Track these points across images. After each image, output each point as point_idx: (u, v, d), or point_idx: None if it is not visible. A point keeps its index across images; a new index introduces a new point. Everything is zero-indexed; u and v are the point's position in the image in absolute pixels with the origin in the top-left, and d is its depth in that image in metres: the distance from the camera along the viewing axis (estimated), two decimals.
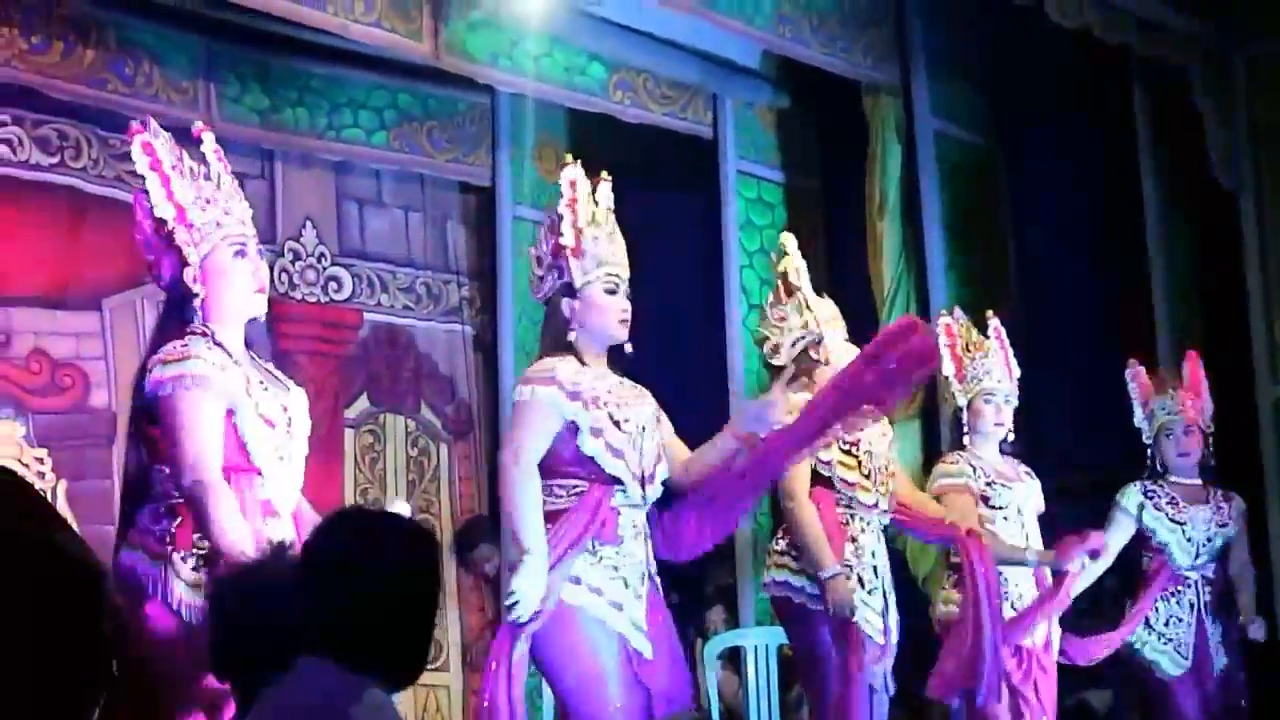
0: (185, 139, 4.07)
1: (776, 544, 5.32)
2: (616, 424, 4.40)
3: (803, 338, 5.35)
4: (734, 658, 6.86)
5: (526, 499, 4.31)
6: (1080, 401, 6.99)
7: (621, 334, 4.52)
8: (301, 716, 2.81)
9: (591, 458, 4.38)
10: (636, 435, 4.44)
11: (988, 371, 6.11)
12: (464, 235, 7.68)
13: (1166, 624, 6.55)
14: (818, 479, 5.26)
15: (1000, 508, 5.99)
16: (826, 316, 5.45)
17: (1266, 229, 7.82)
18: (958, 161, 8.25)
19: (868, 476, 5.32)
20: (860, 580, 5.20)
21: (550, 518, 4.38)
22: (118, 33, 6.61)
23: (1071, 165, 8.30)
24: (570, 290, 4.50)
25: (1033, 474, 6.18)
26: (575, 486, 4.41)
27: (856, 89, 8.04)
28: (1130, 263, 8.06)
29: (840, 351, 5.32)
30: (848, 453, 5.28)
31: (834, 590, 5.07)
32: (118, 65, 6.58)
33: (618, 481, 4.40)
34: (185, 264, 3.97)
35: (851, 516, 5.28)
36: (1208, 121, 7.85)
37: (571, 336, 4.48)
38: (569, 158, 4.69)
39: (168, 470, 3.88)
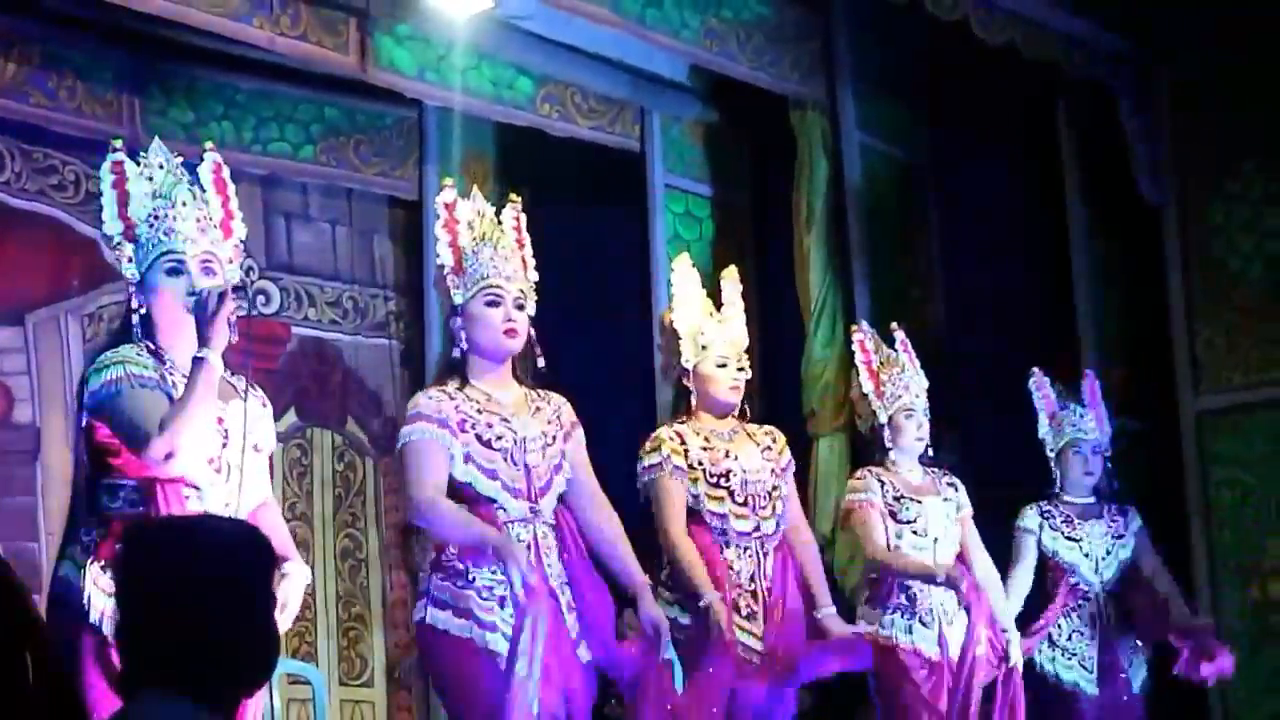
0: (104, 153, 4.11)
1: (663, 576, 5.25)
2: (486, 443, 4.44)
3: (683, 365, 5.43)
4: None
5: (446, 523, 4.38)
6: (1004, 415, 7.03)
7: (511, 344, 4.54)
8: None
9: (461, 480, 4.42)
10: (514, 449, 4.47)
11: (905, 386, 6.15)
12: (391, 249, 7.66)
13: (1069, 639, 6.59)
14: (694, 513, 5.28)
15: (908, 522, 6.01)
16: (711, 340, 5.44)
17: (1190, 244, 7.91)
18: (884, 176, 8.29)
19: (744, 504, 5.32)
20: (737, 607, 5.21)
21: (443, 546, 4.45)
22: (41, 46, 6.56)
23: (998, 180, 8.35)
24: (455, 309, 4.56)
25: (958, 485, 6.20)
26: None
27: (784, 104, 8.07)
28: (1055, 277, 8.13)
29: (711, 375, 5.37)
30: (715, 485, 5.29)
31: (712, 616, 5.04)
32: (40, 79, 6.53)
33: (493, 501, 4.43)
34: (127, 281, 4.04)
35: (726, 544, 5.28)
36: (1132, 138, 7.93)
37: (457, 354, 4.54)
38: (447, 180, 4.78)
39: (112, 480, 3.89)
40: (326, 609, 6.83)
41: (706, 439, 5.32)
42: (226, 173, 4.24)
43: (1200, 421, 7.76)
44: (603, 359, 7.42)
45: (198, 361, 3.90)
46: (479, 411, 4.46)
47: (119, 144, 4.11)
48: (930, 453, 6.14)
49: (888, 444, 6.10)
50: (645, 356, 7.58)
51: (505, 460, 4.45)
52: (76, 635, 3.78)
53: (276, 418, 6.99)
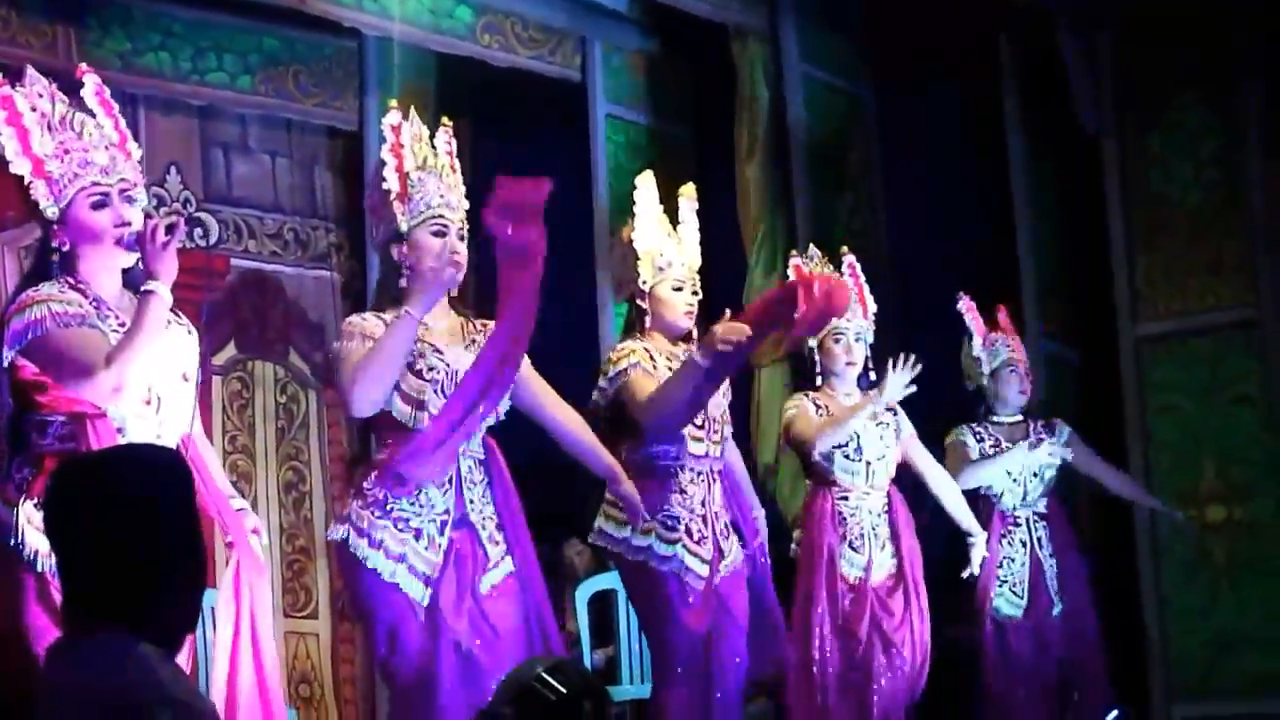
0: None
1: (606, 493, 5.23)
2: (418, 373, 4.41)
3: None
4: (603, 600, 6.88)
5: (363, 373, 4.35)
6: (950, 344, 7.07)
7: (453, 275, 4.49)
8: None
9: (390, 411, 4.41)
10: (444, 380, 4.44)
11: None
12: (331, 181, 7.61)
13: (1000, 565, 6.67)
14: None
15: (839, 446, 6.04)
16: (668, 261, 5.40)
17: (1129, 173, 7.97)
18: (826, 106, 8.30)
19: (701, 427, 5.31)
20: (689, 531, 5.21)
21: (374, 465, 4.46)
22: None
23: (941, 111, 8.37)
24: (399, 236, 4.51)
25: (897, 410, 6.22)
26: (387, 437, 4.47)
27: (726, 33, 8.06)
28: (996, 206, 8.18)
29: (667, 299, 5.35)
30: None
31: (719, 338, 4.96)
32: None
33: (419, 432, 4.41)
34: (44, 219, 3.95)
35: (680, 468, 5.27)
36: (1072, 68, 7.96)
37: (403, 283, 4.49)
38: (392, 103, 4.71)
39: (40, 416, 3.85)
40: (269, 542, 6.81)
41: (668, 359, 5.29)
42: (108, 92, 4.13)
43: (1139, 348, 7.84)
44: (545, 289, 7.41)
45: (146, 294, 3.86)
46: (416, 340, 4.43)
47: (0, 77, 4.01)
48: (872, 377, 6.16)
49: (816, 368, 6.13)
50: (588, 285, 7.59)
51: (435, 392, 4.42)
52: (16, 574, 3.75)
53: (215, 350, 7.04)
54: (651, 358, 5.25)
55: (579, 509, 7.69)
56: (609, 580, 6.78)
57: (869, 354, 6.20)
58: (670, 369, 5.20)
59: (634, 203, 5.46)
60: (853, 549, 5.95)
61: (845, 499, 6.01)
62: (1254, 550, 7.60)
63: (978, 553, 6.34)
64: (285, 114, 7.43)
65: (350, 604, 4.51)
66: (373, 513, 4.36)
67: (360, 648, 7.04)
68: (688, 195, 5.56)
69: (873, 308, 6.26)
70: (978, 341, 6.86)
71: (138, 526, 2.80)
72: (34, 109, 3.97)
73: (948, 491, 6.35)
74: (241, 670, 4.02)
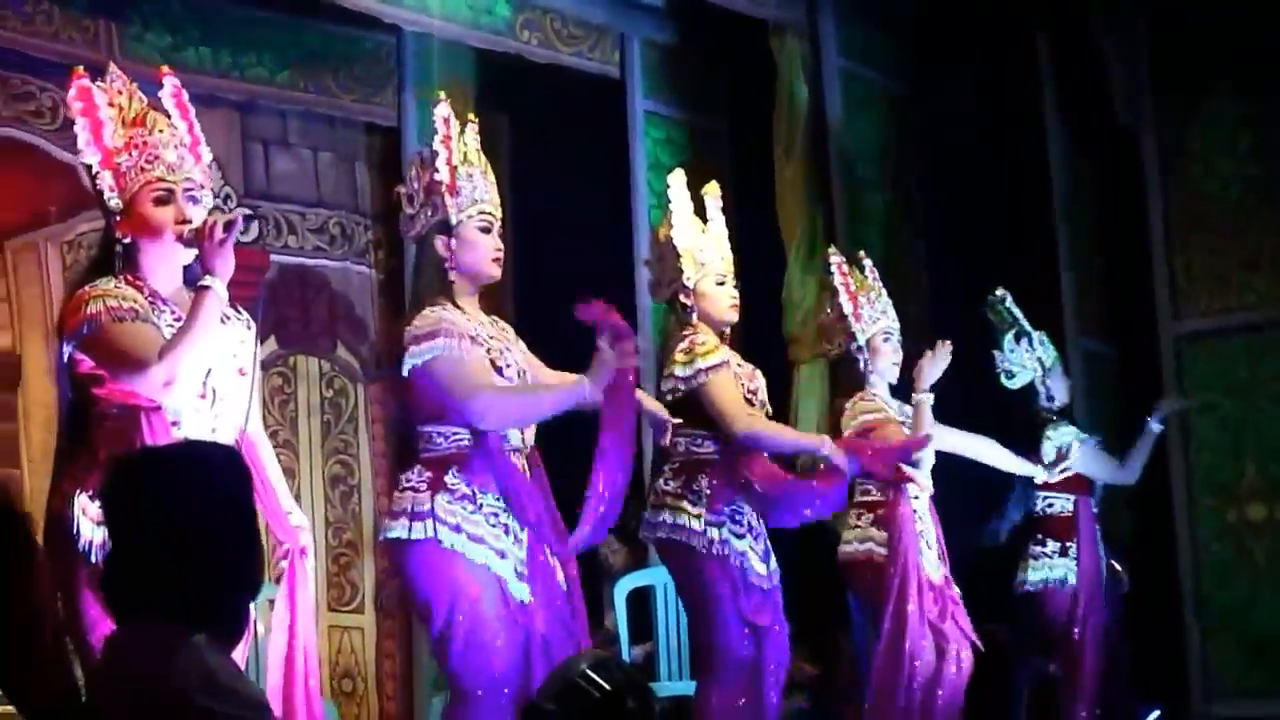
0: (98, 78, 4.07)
1: (665, 484, 5.24)
2: (500, 370, 4.39)
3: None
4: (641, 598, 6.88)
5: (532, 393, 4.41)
6: (984, 343, 7.05)
7: (495, 272, 4.51)
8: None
9: None
10: (516, 379, 4.44)
11: (884, 310, 6.13)
12: (370, 176, 7.62)
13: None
14: None
15: None
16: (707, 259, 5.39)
17: (1168, 167, 7.94)
18: (864, 102, 8.28)
19: None
20: (750, 527, 5.20)
21: (432, 465, 4.36)
22: None
23: (977, 106, 8.36)
24: (446, 227, 4.48)
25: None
26: (456, 434, 4.37)
27: (764, 29, 8.05)
28: (1035, 201, 8.15)
29: (711, 294, 5.33)
30: (749, 401, 5.26)
31: (833, 457, 5.11)
32: (16, 2, 6.46)
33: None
34: (109, 210, 3.98)
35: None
36: (1110, 62, 7.93)
37: (451, 276, 4.47)
38: (440, 94, 4.66)
39: (97, 410, 3.87)
40: (316, 535, 6.83)
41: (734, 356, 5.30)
42: (185, 95, 4.19)
43: (1179, 345, 7.81)
44: (583, 286, 7.40)
45: (201, 290, 3.89)
46: (490, 337, 4.44)
47: (83, 70, 4.06)
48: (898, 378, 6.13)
49: (866, 368, 6.09)
50: (626, 282, 7.57)
51: None
52: (71, 566, 3.78)
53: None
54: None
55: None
56: (647, 577, 6.79)
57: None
58: (739, 365, 5.24)
59: (669, 201, 5.46)
60: (929, 547, 5.94)
61: (917, 499, 5.99)
62: None
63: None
64: (324, 109, 7.45)
65: (425, 601, 4.34)
66: (464, 507, 4.31)
67: (402, 644, 7.04)
68: (713, 193, 5.54)
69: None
70: (1036, 338, 6.86)
71: (196, 521, 2.82)
72: (111, 104, 4.02)
73: (989, 450, 6.36)
74: (295, 680, 4.03)
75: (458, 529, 4.29)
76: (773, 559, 5.32)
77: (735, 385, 5.18)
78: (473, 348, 4.33)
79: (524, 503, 4.37)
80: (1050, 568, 6.83)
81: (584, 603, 4.56)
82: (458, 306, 4.44)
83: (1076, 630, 6.73)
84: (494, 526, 4.33)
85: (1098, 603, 6.76)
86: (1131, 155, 8.06)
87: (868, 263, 6.24)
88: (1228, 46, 7.84)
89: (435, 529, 4.28)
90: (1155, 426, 6.93)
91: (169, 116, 4.11)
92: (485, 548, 4.30)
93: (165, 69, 4.26)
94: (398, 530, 4.32)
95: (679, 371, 5.19)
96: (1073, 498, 6.87)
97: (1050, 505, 6.91)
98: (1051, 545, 6.85)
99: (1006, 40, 8.22)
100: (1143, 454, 6.91)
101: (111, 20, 6.70)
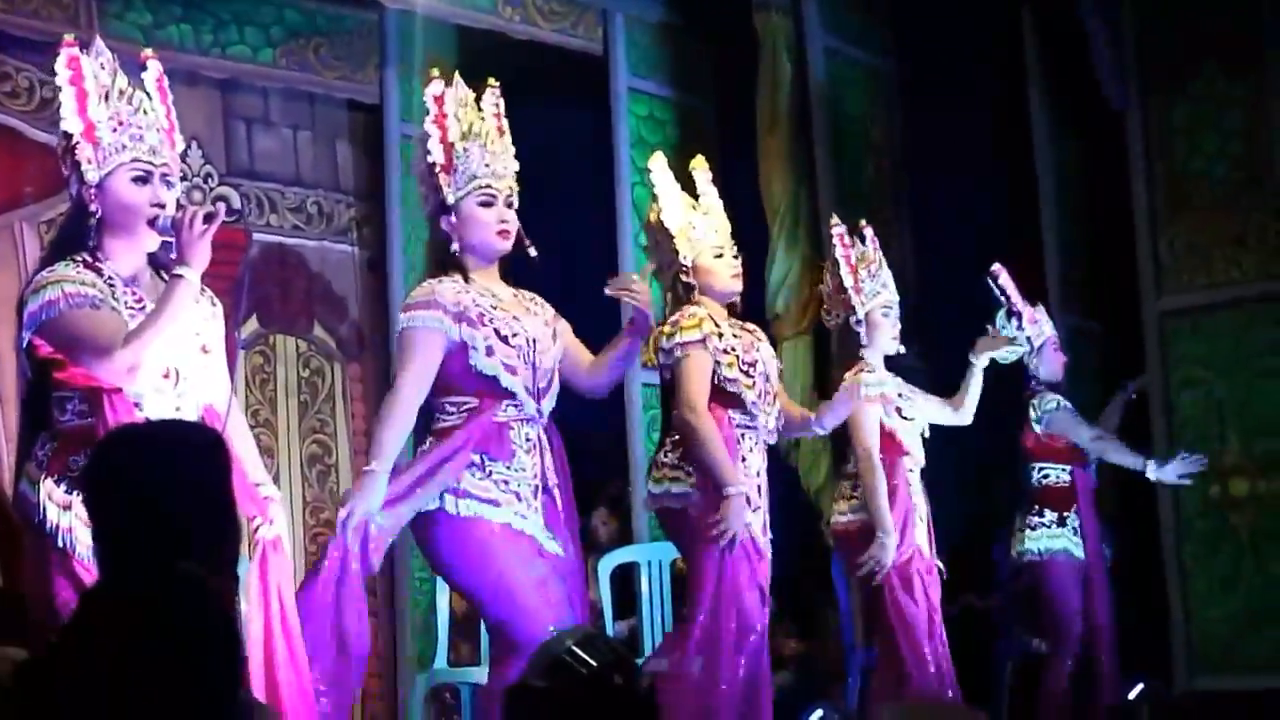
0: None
1: (664, 456, 5.26)
2: (505, 339, 4.44)
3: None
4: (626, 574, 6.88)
5: (392, 420, 4.41)
6: (970, 319, 7.05)
7: (503, 245, 4.55)
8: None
9: (482, 373, 4.42)
10: (527, 348, 4.48)
11: (884, 284, 6.12)
12: (352, 154, 7.59)
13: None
14: (715, 395, 5.21)
15: (910, 419, 6.05)
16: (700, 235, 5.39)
17: (1153, 146, 7.93)
18: (848, 78, 8.27)
19: (760, 397, 5.30)
20: (747, 499, 5.18)
21: (442, 435, 4.45)
22: None
23: (962, 83, 8.35)
24: (446, 207, 4.53)
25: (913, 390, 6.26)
26: (466, 403, 4.46)
27: (748, 5, 8.03)
28: (1019, 179, 8.16)
29: (711, 267, 5.32)
30: (746, 373, 5.26)
31: (730, 510, 5.04)
32: None
33: (512, 396, 4.44)
34: (84, 182, 3.96)
35: (742, 436, 5.26)
36: (1095, 38, 7.92)
37: (456, 252, 4.53)
38: (434, 72, 4.71)
39: (58, 393, 3.87)
40: (293, 515, 6.80)
41: (732, 329, 5.30)
42: (167, 81, 4.19)
43: (1162, 322, 7.82)
44: (568, 265, 7.40)
45: (176, 279, 3.88)
46: (494, 307, 4.48)
47: (71, 38, 4.05)
48: (901, 350, 6.13)
49: (864, 340, 6.08)
50: (610, 262, 7.57)
51: (519, 358, 4.46)
52: (40, 549, 3.79)
53: (238, 325, 7.02)
54: (717, 325, 5.24)
55: (606, 476, 7.73)
56: (631, 553, 6.78)
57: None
58: (737, 337, 5.24)
59: (652, 184, 5.45)
60: (920, 520, 5.97)
61: (911, 472, 6.02)
62: (1277, 524, 7.58)
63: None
64: (306, 87, 7.41)
65: (450, 567, 4.46)
66: (474, 474, 4.39)
67: (384, 621, 7.04)
68: (701, 168, 5.53)
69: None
70: (1027, 315, 6.87)
71: (171, 500, 2.82)
72: (95, 77, 4.00)
73: (954, 410, 6.41)
74: (278, 658, 4.03)
75: (465, 495, 4.37)
76: (768, 532, 5.32)
77: (706, 370, 5.17)
78: (441, 330, 4.41)
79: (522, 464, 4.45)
80: (1050, 537, 6.84)
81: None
82: (468, 280, 4.49)
83: (1099, 612, 6.78)
84: (505, 492, 4.41)
85: (1105, 578, 6.83)
86: (1117, 133, 8.05)
87: (869, 234, 6.22)
88: (1213, 25, 7.83)
89: (442, 499, 4.38)
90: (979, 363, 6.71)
91: (150, 99, 4.10)
92: (503, 509, 4.39)
93: (148, 52, 4.24)
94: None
95: (664, 344, 5.22)
96: (1069, 468, 6.90)
97: (1046, 476, 6.93)
98: (1049, 515, 6.87)
99: (992, 18, 8.21)
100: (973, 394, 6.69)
101: None
